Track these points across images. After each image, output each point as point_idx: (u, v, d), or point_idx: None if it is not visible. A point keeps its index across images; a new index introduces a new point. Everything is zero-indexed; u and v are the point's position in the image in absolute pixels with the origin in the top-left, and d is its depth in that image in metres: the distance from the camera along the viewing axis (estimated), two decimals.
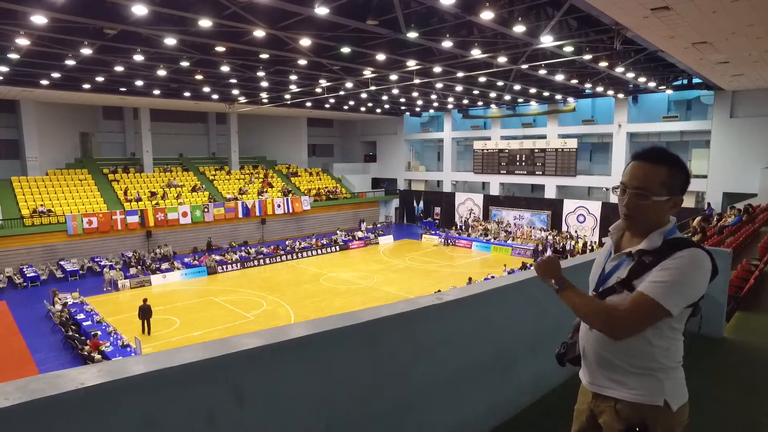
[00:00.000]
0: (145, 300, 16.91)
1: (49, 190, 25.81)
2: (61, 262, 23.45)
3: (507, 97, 28.36)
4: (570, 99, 29.04)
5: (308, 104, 29.00)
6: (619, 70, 18.22)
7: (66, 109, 27.64)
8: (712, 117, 24.55)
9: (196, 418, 1.67)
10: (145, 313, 16.65)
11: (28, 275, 21.64)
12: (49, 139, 27.13)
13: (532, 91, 25.52)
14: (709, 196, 24.18)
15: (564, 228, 30.27)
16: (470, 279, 20.66)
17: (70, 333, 15.53)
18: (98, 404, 1.44)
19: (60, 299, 18.53)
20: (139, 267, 23.91)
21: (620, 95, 26.69)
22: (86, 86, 21.50)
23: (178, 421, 1.62)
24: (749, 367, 4.01)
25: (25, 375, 1.48)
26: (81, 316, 17.20)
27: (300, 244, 30.22)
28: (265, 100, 27.46)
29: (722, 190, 23.86)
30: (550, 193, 31.66)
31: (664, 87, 23.50)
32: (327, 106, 30.89)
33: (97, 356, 13.70)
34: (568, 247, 27.61)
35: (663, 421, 1.61)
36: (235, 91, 24.93)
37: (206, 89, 23.75)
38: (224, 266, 25.70)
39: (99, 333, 15.22)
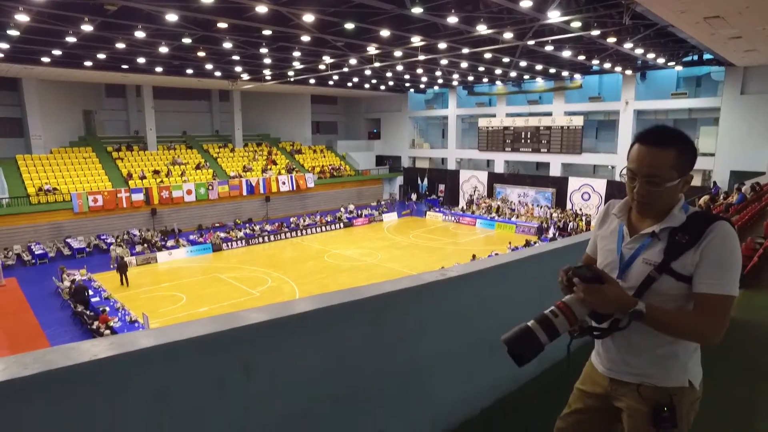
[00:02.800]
0: (122, 257, 20.23)
1: (54, 168, 25.88)
2: (68, 240, 23.67)
3: (513, 74, 27.96)
4: (577, 76, 28.62)
5: (312, 81, 28.73)
6: (628, 45, 17.90)
7: (68, 86, 27.49)
8: (722, 94, 24.15)
9: (206, 388, 1.72)
10: (121, 268, 19.38)
11: (36, 252, 21.89)
12: (52, 117, 27.08)
13: (539, 67, 25.14)
14: (715, 175, 23.98)
15: (569, 206, 30.19)
16: (474, 256, 20.74)
17: (80, 309, 15.77)
18: (111, 375, 1.48)
19: (68, 276, 18.77)
20: (144, 244, 24.12)
21: (628, 72, 26.25)
22: (88, 63, 21.34)
23: (190, 391, 1.67)
24: (750, 345, 4.05)
25: (38, 348, 1.52)
26: (89, 292, 17.43)
27: (304, 221, 30.33)
28: (268, 77, 27.19)
29: (729, 168, 23.64)
30: (555, 171, 31.48)
31: (674, 63, 23.07)
32: (331, 83, 30.59)
33: (106, 331, 13.95)
34: (571, 226, 27.58)
35: (687, 398, 1.64)
36: (238, 68, 24.69)
37: (209, 66, 23.53)
38: (229, 243, 25.89)
39: (107, 309, 15.45)
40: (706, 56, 21.71)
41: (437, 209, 34.80)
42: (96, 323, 14.42)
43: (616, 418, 1.78)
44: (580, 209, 29.43)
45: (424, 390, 2.63)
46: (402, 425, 2.54)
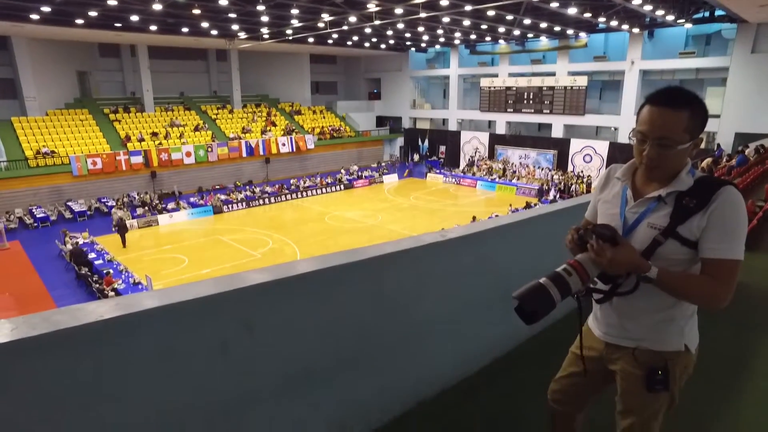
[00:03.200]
0: (122, 219, 20.43)
1: (50, 130, 25.58)
2: (69, 203, 23.70)
3: (516, 32, 27.21)
4: (582, 34, 27.86)
5: (310, 40, 28.02)
6: (636, 2, 17.35)
7: (61, 46, 26.82)
8: (731, 52, 23.55)
9: (210, 347, 1.76)
10: (121, 229, 19.76)
11: (37, 216, 21.96)
12: (45, 77, 26.53)
13: (543, 25, 24.44)
14: (720, 137, 23.70)
15: (570, 168, 30.03)
16: (474, 218, 20.80)
17: (84, 271, 15.97)
18: (117, 335, 1.52)
19: (71, 239, 18.91)
20: (145, 207, 24.16)
21: (635, 30, 25.52)
22: (79, 21, 20.74)
23: (194, 350, 1.71)
24: (744, 306, 4.11)
25: (45, 310, 1.55)
26: (92, 255, 17.61)
27: (304, 183, 30.27)
28: (266, 36, 26.51)
29: (735, 130, 23.32)
30: (557, 133, 31.13)
31: (684, 20, 22.36)
32: (330, 42, 29.84)
33: (111, 293, 14.17)
34: (573, 188, 27.51)
35: (682, 362, 1.66)
36: (235, 27, 24.02)
37: (205, 24, 22.89)
38: (230, 205, 25.93)
39: (111, 271, 15.64)
40: (718, 12, 21.03)
41: (438, 171, 34.65)
42: (101, 285, 14.63)
43: (610, 379, 1.82)
44: (582, 171, 29.28)
45: (423, 349, 2.69)
46: (402, 384, 2.62)
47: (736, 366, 3.22)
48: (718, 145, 22.39)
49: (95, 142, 26.05)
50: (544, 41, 30.52)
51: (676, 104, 1.49)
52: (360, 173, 33.72)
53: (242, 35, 26.27)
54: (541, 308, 1.51)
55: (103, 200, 24.60)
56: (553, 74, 30.70)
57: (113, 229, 21.05)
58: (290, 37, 26.34)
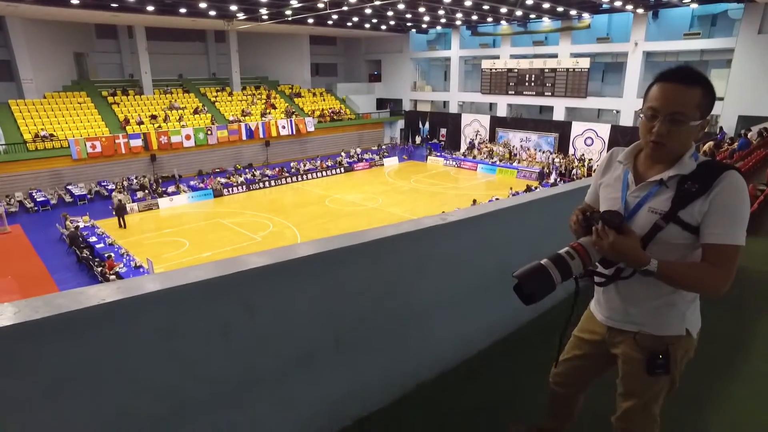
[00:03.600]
0: (120, 200, 20.83)
1: (48, 113, 25.42)
2: (69, 187, 23.67)
3: (518, 13, 26.82)
4: (585, 15, 27.46)
5: (310, 21, 27.66)
6: None
7: (57, 26, 26.48)
8: (737, 33, 23.24)
9: (212, 329, 1.77)
10: (119, 210, 20.21)
11: (38, 200, 21.95)
12: (42, 59, 26.25)
13: (546, 6, 24.09)
14: (723, 120, 23.52)
15: (571, 151, 29.90)
16: (474, 201, 20.79)
17: (85, 254, 16.02)
18: (119, 318, 1.53)
19: (71, 223, 18.94)
20: (146, 191, 24.14)
21: (639, 10, 25.16)
22: (74, 1, 20.46)
23: (195, 333, 1.73)
24: (740, 288, 4.13)
25: (47, 293, 1.55)
26: (93, 239, 17.66)
27: (305, 165, 30.18)
28: (265, 17, 26.15)
29: (738, 113, 23.14)
30: (558, 115, 30.90)
31: (689, 0, 22.01)
32: (330, 22, 29.45)
33: (112, 276, 14.25)
34: (574, 172, 27.42)
35: (683, 347, 1.67)
36: (233, 7, 23.70)
37: (203, 5, 22.58)
38: (230, 189, 25.90)
39: (112, 255, 15.70)
40: None
41: (438, 154, 34.50)
42: (102, 269, 14.70)
43: (611, 362, 1.84)
44: (583, 155, 29.16)
45: (423, 332, 2.71)
46: (401, 366, 2.64)
47: (735, 348, 3.25)
48: (721, 128, 22.23)
49: (94, 126, 25.91)
50: (546, 22, 30.11)
51: (689, 81, 1.48)
52: (360, 156, 33.60)
53: (241, 16, 25.93)
54: (540, 289, 1.50)
55: (103, 184, 24.56)
56: (555, 56, 30.37)
57: (113, 213, 21.09)
58: (290, 18, 26.01)
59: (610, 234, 1.50)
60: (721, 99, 23.47)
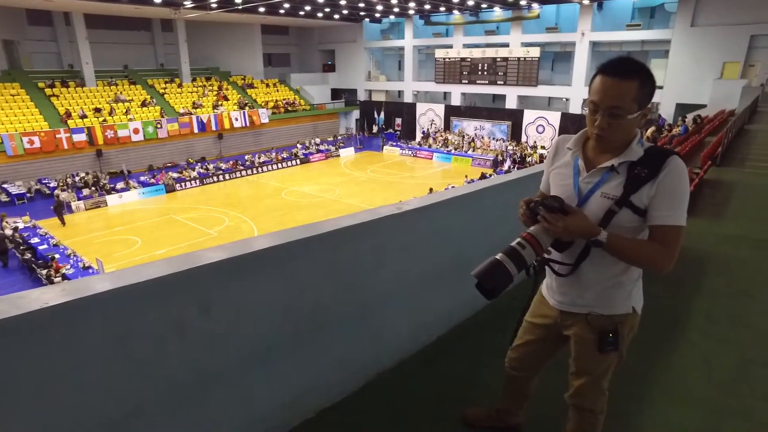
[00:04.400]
0: (57, 196, 20.48)
1: None
2: (5, 186, 22.26)
3: (470, 2, 27.16)
4: (535, 5, 28.12)
5: (261, 10, 26.98)
6: None
7: None
8: (673, 25, 24.44)
9: (167, 328, 1.73)
10: (57, 207, 19.51)
11: None
12: None
13: None
14: (662, 108, 24.76)
15: (524, 139, 30.68)
16: (431, 189, 21.04)
17: (27, 256, 15.16)
18: (66, 322, 1.46)
19: (9, 223, 17.84)
20: (93, 188, 23.02)
21: (585, 1, 26.02)
22: None
23: (150, 333, 1.68)
24: (679, 266, 4.41)
25: None
26: (35, 240, 16.72)
27: (260, 158, 29.60)
28: (213, 5, 25.30)
29: (676, 101, 24.41)
30: (511, 104, 31.62)
31: None
32: (281, 11, 28.85)
33: (58, 279, 13.56)
34: (529, 160, 28.17)
35: (629, 323, 1.76)
36: None
37: None
38: (182, 183, 25.09)
39: (57, 256, 14.93)
40: None
41: (394, 143, 34.61)
42: (47, 271, 13.96)
43: (563, 344, 1.92)
44: (535, 142, 29.99)
45: (383, 321, 2.74)
46: (362, 355, 2.67)
47: (672, 321, 3.47)
48: (660, 115, 23.40)
49: (30, 120, 24.40)
50: (497, 12, 30.64)
51: (625, 74, 1.51)
52: (317, 146, 33.29)
53: (188, 3, 24.99)
54: (499, 284, 1.57)
55: (44, 181, 23.25)
56: (506, 45, 30.98)
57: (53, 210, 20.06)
58: (240, 6, 25.28)
59: (560, 218, 1.57)
60: (660, 88, 24.63)
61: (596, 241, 1.57)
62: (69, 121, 25.12)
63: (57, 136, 23.79)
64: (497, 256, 1.59)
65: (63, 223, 19.35)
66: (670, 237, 1.56)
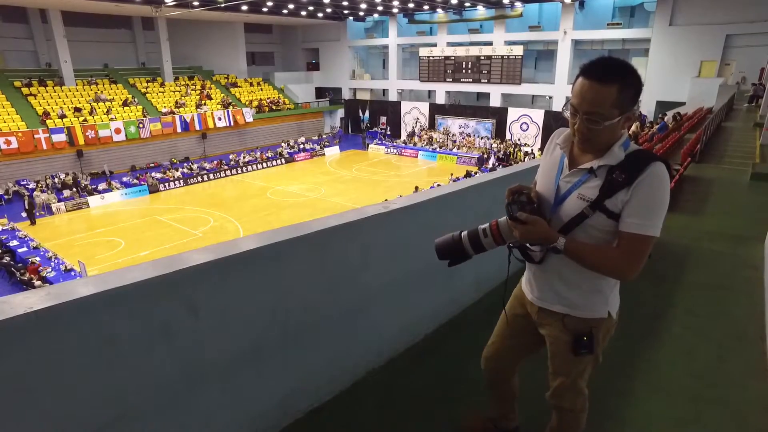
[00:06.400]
0: (29, 196, 20.35)
1: None
2: None
3: (454, 1, 27.26)
4: (517, 3, 28.35)
5: (244, 8, 26.76)
6: None
7: None
8: (653, 24, 24.84)
9: (154, 331, 1.72)
10: (28, 207, 19.44)
11: None
12: None
13: None
14: (643, 105, 25.12)
15: (508, 136, 30.92)
16: (416, 188, 21.10)
17: (6, 260, 14.85)
18: (52, 327, 1.44)
19: None
20: (74, 189, 22.62)
21: (567, 0, 26.27)
22: None
23: (136, 337, 1.67)
24: (661, 262, 4.49)
25: None
26: (14, 243, 16.37)
27: (244, 158, 29.37)
28: (195, 3, 25.01)
29: (656, 98, 24.83)
30: (495, 102, 31.84)
31: None
32: (265, 9, 28.63)
33: (38, 282, 13.30)
34: (514, 156, 28.40)
35: (605, 327, 1.76)
36: None
37: None
38: (166, 184, 24.79)
39: (38, 259, 14.65)
40: None
41: (379, 142, 34.61)
42: (27, 275, 13.68)
43: (539, 343, 1.91)
44: (519, 139, 30.24)
45: (370, 320, 2.75)
46: (350, 354, 2.67)
47: (655, 315, 3.54)
48: (641, 113, 23.74)
49: (7, 119, 23.88)
50: (481, 10, 30.80)
51: (605, 78, 1.45)
52: (302, 146, 33.14)
53: (169, 2, 24.66)
54: (454, 260, 1.71)
55: (22, 183, 22.77)
56: (490, 44, 31.17)
57: (37, 213, 19.69)
58: (222, 4, 25.02)
59: (514, 225, 1.60)
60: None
61: (554, 248, 1.58)
62: (48, 121, 24.64)
63: (35, 136, 23.32)
64: (462, 233, 1.69)
65: (33, 222, 19.16)
66: (635, 245, 1.51)
